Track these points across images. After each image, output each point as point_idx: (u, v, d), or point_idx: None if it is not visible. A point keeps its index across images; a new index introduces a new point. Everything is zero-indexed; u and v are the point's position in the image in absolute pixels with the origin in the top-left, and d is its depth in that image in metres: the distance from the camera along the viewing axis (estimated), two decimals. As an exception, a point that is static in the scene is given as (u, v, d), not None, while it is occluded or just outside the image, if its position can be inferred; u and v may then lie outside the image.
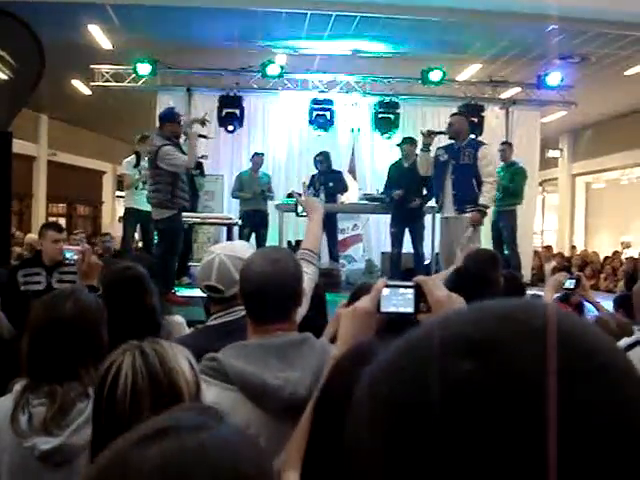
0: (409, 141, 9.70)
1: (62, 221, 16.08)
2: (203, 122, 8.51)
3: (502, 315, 0.54)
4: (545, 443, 0.45)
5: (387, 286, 1.58)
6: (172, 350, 1.65)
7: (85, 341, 2.21)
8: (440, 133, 8.32)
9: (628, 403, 0.48)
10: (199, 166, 9.79)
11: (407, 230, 9.40)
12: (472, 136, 8.27)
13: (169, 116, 7.95)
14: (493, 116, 12.93)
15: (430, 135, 8.22)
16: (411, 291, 1.56)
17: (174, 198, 7.61)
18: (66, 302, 2.25)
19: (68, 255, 4.34)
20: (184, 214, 8.20)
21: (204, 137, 8.82)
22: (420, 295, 1.55)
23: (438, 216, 9.28)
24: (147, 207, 8.41)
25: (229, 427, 0.76)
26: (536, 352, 0.49)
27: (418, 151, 8.67)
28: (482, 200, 7.69)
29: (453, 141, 8.06)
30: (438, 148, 8.16)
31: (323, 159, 10.62)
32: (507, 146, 10.61)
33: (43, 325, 2.22)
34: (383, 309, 1.57)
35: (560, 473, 0.45)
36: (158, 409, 1.56)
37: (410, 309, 1.55)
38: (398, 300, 1.56)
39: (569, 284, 3.51)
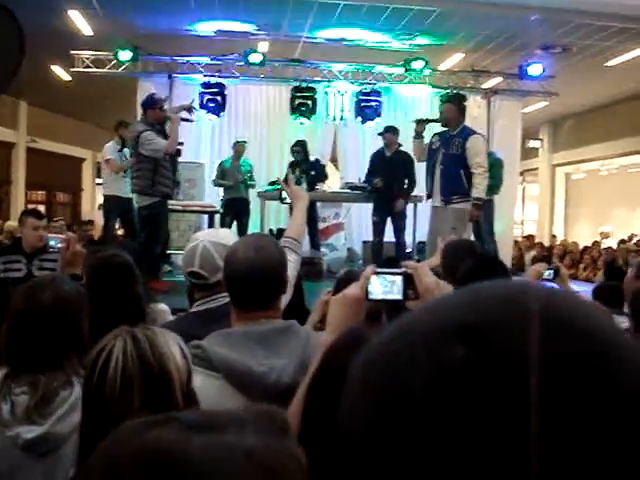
0: (390, 130, 9.68)
1: (41, 208, 15.93)
2: (190, 109, 8.49)
3: (496, 297, 0.53)
4: (543, 427, 0.45)
5: (376, 273, 1.59)
6: (163, 336, 1.65)
7: (65, 330, 2.19)
8: (433, 121, 8.26)
9: (627, 387, 0.48)
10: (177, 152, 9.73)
11: (389, 219, 9.41)
12: (465, 124, 8.01)
13: (150, 102, 8.03)
14: (475, 106, 12.95)
15: (420, 123, 8.21)
16: (400, 278, 1.58)
17: (155, 185, 7.63)
18: (45, 291, 2.23)
19: (52, 243, 4.32)
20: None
21: (188, 121, 8.84)
22: (409, 282, 1.57)
23: (420, 205, 9.32)
24: (129, 194, 8.39)
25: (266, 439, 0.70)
26: (534, 335, 0.48)
27: (411, 138, 8.60)
28: (475, 193, 7.56)
29: (446, 128, 7.97)
30: (433, 135, 8.07)
31: (300, 149, 10.61)
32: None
33: (22, 314, 2.20)
34: (372, 296, 1.59)
35: (556, 456, 0.45)
36: (148, 394, 1.57)
37: (399, 296, 1.57)
38: (387, 287, 1.57)
39: (548, 274, 3.53)
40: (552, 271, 3.55)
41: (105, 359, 1.57)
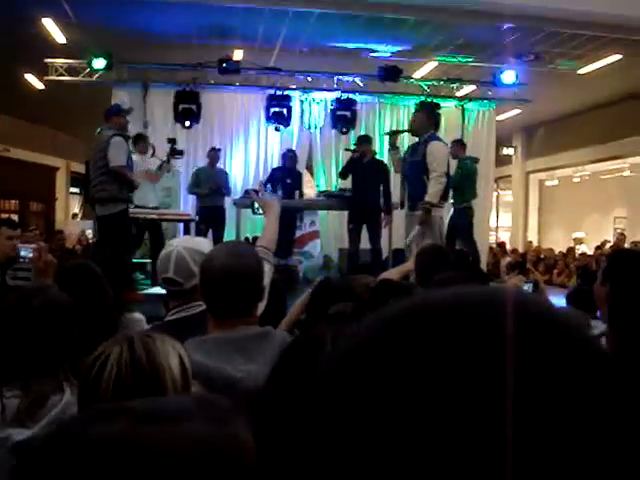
0: (364, 141, 9.69)
1: (14, 217, 15.80)
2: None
3: (474, 294, 0.54)
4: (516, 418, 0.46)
5: None
6: (163, 345, 1.64)
7: (56, 337, 2.20)
8: (404, 131, 8.34)
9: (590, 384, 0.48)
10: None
11: (364, 227, 9.43)
12: (434, 133, 8.08)
13: (115, 109, 8.13)
14: (449, 114, 13.05)
15: (393, 135, 8.27)
16: None
17: (122, 191, 7.63)
18: (36, 297, 2.24)
19: (23, 253, 4.26)
20: (141, 210, 8.17)
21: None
22: None
23: (394, 212, 9.36)
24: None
25: (218, 426, 0.70)
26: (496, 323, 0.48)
27: (386, 149, 8.68)
28: (426, 197, 7.59)
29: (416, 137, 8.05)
30: (408, 146, 8.19)
31: (293, 155, 10.77)
32: (456, 144, 10.71)
33: (13, 320, 2.21)
34: None
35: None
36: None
37: None
38: None
39: (527, 287, 3.55)
40: (531, 284, 3.58)
41: (100, 365, 1.57)
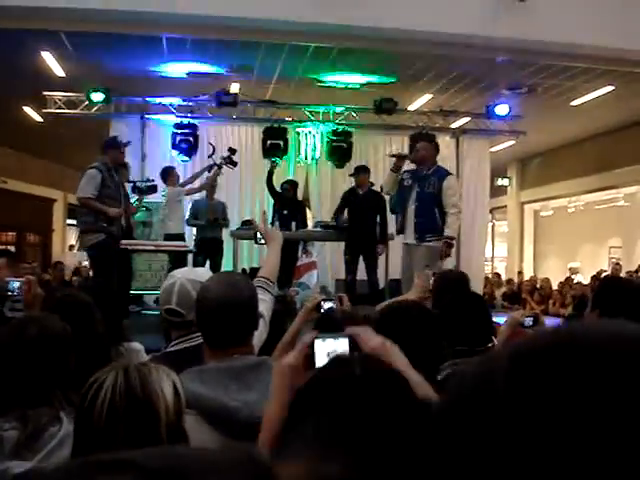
0: (362, 170, 9.75)
1: (12, 249, 15.82)
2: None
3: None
4: None
5: (318, 337, 1.52)
6: (158, 373, 1.67)
7: (52, 366, 2.22)
8: (407, 158, 8.29)
9: None
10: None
11: (361, 257, 9.45)
12: (440, 164, 8.09)
13: (112, 143, 8.20)
14: (444, 145, 13.12)
15: (401, 158, 8.22)
16: (345, 341, 1.51)
17: (98, 222, 7.64)
18: (32, 327, 2.26)
19: (16, 285, 4.22)
20: (138, 241, 8.19)
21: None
22: (354, 345, 1.51)
23: (391, 243, 9.36)
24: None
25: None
26: None
27: (387, 172, 8.64)
28: (447, 232, 7.60)
29: (418, 166, 7.98)
30: (404, 171, 8.07)
31: (291, 185, 10.85)
32: None
33: (9, 349, 2.23)
34: (318, 363, 1.49)
35: None
36: (133, 429, 1.59)
37: None
38: (332, 352, 1.49)
39: (527, 322, 3.55)
40: (531, 318, 3.58)
41: (95, 391, 1.60)
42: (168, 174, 10.29)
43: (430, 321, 2.47)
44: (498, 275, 16.82)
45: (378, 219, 9.32)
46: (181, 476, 0.55)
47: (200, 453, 0.61)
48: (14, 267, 5.28)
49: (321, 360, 1.47)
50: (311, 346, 1.51)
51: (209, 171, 10.79)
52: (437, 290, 4.29)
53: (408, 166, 8.24)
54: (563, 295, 13.83)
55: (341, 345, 1.50)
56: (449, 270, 5.64)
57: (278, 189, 10.91)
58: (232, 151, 10.81)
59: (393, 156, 8.40)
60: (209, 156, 10.90)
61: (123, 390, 1.60)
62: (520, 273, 18.11)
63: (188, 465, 0.57)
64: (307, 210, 12.46)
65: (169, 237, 10.12)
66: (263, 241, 3.38)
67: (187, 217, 10.88)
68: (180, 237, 10.24)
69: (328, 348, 1.49)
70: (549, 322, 4.31)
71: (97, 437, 1.55)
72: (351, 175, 9.98)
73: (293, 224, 10.45)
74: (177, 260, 9.26)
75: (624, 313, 2.83)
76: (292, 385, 1.48)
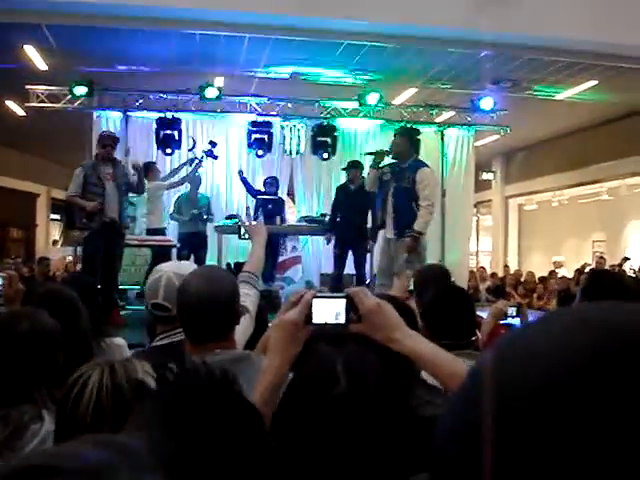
0: (355, 165, 9.77)
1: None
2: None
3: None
4: None
5: (317, 297, 1.60)
6: (143, 369, 1.66)
7: (41, 363, 2.19)
8: (387, 153, 8.29)
9: None
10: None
11: (350, 252, 9.48)
12: (417, 157, 8.10)
13: (98, 139, 8.64)
14: (428, 139, 13.15)
15: (380, 154, 8.22)
16: (342, 302, 1.58)
17: (81, 218, 8.04)
18: (23, 322, 2.23)
19: None
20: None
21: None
22: (351, 305, 1.57)
23: (380, 234, 9.38)
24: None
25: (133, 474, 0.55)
26: None
27: (366, 169, 8.66)
28: (416, 226, 7.56)
29: (397, 161, 8.01)
30: (384, 166, 8.09)
31: (273, 181, 10.87)
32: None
33: None
34: (315, 320, 1.59)
35: None
36: (120, 426, 1.57)
37: (342, 320, 1.58)
38: (329, 311, 1.58)
39: (511, 312, 3.57)
40: (515, 309, 3.60)
41: (80, 388, 1.58)
42: (149, 169, 10.25)
43: (408, 316, 2.47)
44: (483, 269, 16.87)
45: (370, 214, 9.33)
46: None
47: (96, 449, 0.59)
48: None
49: (318, 318, 1.58)
50: (309, 304, 1.59)
51: (190, 165, 10.84)
52: (419, 285, 4.30)
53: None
54: (547, 288, 13.89)
55: (339, 304, 1.58)
56: (430, 265, 5.64)
57: (258, 187, 11.03)
58: (213, 144, 10.84)
59: (370, 154, 8.42)
60: (190, 150, 10.90)
61: (110, 387, 1.59)
62: (507, 267, 18.18)
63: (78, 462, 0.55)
64: (292, 204, 12.49)
65: (151, 232, 10.26)
66: (247, 236, 3.37)
67: (171, 211, 10.85)
68: (161, 232, 10.35)
69: (326, 306, 1.58)
70: (532, 316, 4.31)
71: (82, 434, 1.53)
72: (344, 169, 9.97)
73: (277, 218, 10.44)
74: (160, 255, 9.29)
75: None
76: (293, 339, 1.60)
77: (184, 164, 11.12)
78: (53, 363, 2.22)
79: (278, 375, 1.60)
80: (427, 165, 8.02)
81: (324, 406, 1.30)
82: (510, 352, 0.56)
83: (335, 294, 1.62)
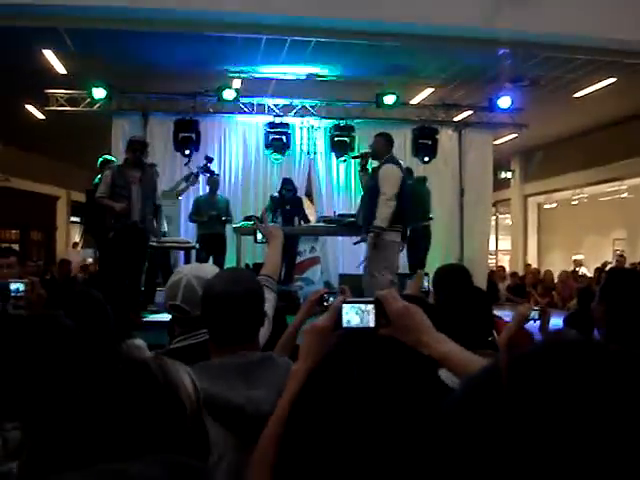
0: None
1: (15, 247, 15.84)
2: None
3: None
4: None
5: (346, 302, 1.63)
6: (174, 366, 1.68)
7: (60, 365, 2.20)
8: (368, 155, 8.39)
9: None
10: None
11: None
12: (391, 156, 8.12)
13: (127, 144, 8.62)
14: (447, 139, 13.13)
15: (361, 157, 8.38)
16: (371, 306, 1.61)
17: (107, 219, 8.15)
18: (44, 325, 2.24)
19: (13, 287, 4.18)
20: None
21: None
22: (380, 310, 1.60)
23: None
24: None
25: None
26: None
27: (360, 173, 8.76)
28: (374, 221, 7.63)
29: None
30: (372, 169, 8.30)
31: (291, 187, 10.90)
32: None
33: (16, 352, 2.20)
34: (345, 325, 1.62)
35: None
36: (160, 422, 1.59)
37: (371, 324, 1.60)
38: (359, 316, 1.61)
39: (533, 315, 3.55)
40: (537, 312, 3.57)
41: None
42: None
43: (431, 315, 2.47)
44: (502, 268, 16.78)
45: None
46: None
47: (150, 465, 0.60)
48: (21, 266, 5.30)
49: (348, 322, 1.62)
50: (339, 310, 1.63)
51: (187, 180, 10.86)
52: (436, 284, 4.28)
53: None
54: (567, 287, 13.80)
55: (368, 309, 1.62)
56: (449, 264, 5.64)
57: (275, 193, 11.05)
58: (209, 159, 10.89)
59: (355, 157, 8.51)
60: (185, 164, 10.80)
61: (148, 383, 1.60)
62: (528, 265, 18.07)
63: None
64: (310, 204, 12.50)
65: None
66: (262, 239, 3.38)
67: (189, 213, 10.89)
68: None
69: (355, 311, 1.62)
70: (556, 318, 4.29)
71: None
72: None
73: (296, 219, 10.46)
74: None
75: (632, 305, 2.82)
76: (323, 344, 1.64)
77: (182, 180, 11.16)
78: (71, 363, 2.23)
79: (306, 375, 1.64)
80: (394, 161, 8.06)
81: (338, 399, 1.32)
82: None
83: (364, 299, 1.64)
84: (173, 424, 1.59)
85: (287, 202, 10.59)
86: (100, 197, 8.20)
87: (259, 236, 3.52)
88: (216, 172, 11.03)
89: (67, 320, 2.36)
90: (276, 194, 11.03)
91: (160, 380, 1.62)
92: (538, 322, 3.65)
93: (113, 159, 9.62)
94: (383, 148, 8.11)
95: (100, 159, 9.67)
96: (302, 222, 10.59)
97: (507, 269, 17.17)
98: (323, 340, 1.64)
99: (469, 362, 1.60)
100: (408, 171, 10.57)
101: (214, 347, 2.29)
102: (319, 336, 1.65)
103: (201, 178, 11.39)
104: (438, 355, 1.59)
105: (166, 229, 10.10)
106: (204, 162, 10.89)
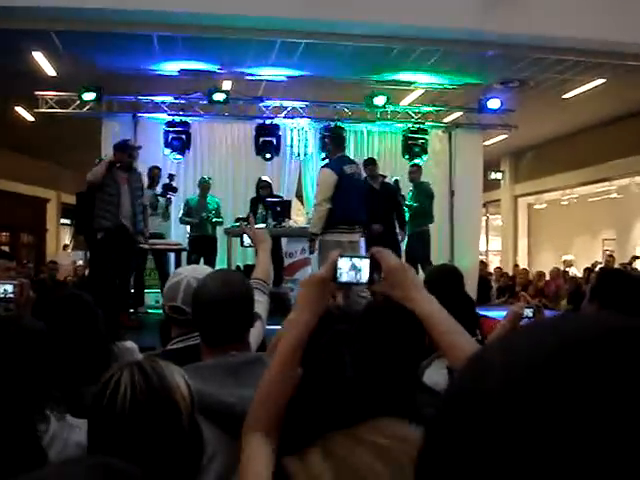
0: (372, 161, 9.83)
1: (5, 249, 15.78)
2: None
3: None
4: None
5: (342, 256, 1.66)
6: (168, 368, 1.69)
7: (28, 365, 2.19)
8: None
9: None
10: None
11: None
12: (340, 155, 8.07)
13: (119, 146, 8.49)
14: (437, 140, 13.16)
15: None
16: (366, 262, 1.65)
17: (96, 218, 8.01)
18: (10, 327, 2.24)
19: (8, 288, 4.20)
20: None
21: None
22: (375, 266, 1.65)
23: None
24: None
25: None
26: None
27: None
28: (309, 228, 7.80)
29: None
30: None
31: (267, 184, 10.79)
32: (416, 168, 10.89)
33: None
34: (340, 279, 1.65)
35: None
36: (156, 423, 1.60)
37: (365, 279, 1.65)
38: (354, 271, 1.65)
39: (527, 313, 3.55)
40: (531, 310, 3.58)
41: (114, 388, 1.60)
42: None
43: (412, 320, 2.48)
44: (499, 269, 16.82)
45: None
46: None
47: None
48: (13, 269, 5.29)
49: (343, 276, 1.65)
50: (335, 263, 1.66)
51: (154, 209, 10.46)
52: (427, 285, 4.27)
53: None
54: (557, 287, 13.85)
55: (363, 264, 1.65)
56: (440, 265, 5.64)
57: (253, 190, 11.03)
58: (171, 177, 10.85)
59: (324, 159, 8.54)
60: (148, 187, 10.43)
61: (143, 384, 1.61)
62: (516, 266, 18.12)
63: None
64: (301, 206, 12.48)
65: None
66: (249, 243, 3.40)
67: (180, 215, 10.88)
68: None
69: (350, 266, 1.65)
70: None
71: (120, 433, 1.56)
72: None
73: (286, 221, 10.45)
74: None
75: (624, 305, 2.84)
76: (321, 295, 1.66)
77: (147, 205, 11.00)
78: (44, 365, 2.22)
79: (305, 330, 1.64)
80: (330, 164, 8.00)
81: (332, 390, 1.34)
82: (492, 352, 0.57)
83: (360, 254, 1.72)
84: (168, 425, 1.60)
85: (277, 204, 10.54)
86: (91, 174, 8.05)
87: (246, 240, 3.51)
88: (175, 187, 10.99)
89: (35, 322, 2.35)
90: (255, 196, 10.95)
91: (155, 382, 1.63)
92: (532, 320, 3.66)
93: None
94: (333, 147, 8.12)
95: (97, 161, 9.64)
96: (286, 219, 10.50)
97: (493, 270, 17.18)
98: (322, 291, 1.66)
99: (451, 327, 1.64)
100: (420, 171, 10.61)
101: (205, 348, 2.31)
102: (318, 287, 1.66)
103: (191, 181, 11.36)
104: (423, 312, 1.63)
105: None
106: (167, 181, 10.83)
